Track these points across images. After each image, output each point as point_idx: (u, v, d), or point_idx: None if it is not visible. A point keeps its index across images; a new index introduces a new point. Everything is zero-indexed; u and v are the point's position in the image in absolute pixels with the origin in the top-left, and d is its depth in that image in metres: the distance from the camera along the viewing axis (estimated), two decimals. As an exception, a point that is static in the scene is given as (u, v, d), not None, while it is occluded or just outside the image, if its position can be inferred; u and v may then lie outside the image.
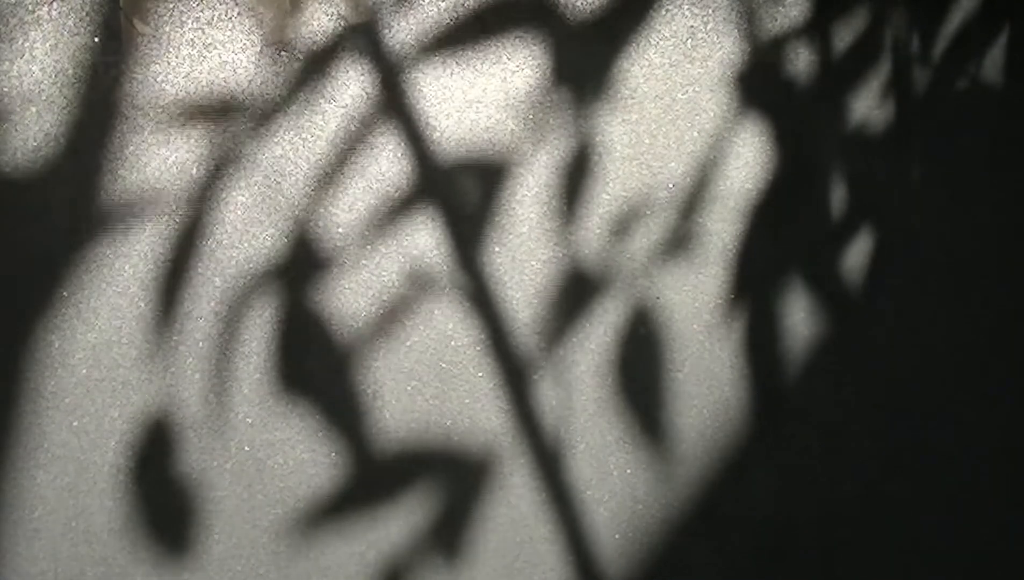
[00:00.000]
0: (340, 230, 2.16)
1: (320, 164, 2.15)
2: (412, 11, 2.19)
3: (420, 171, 2.20)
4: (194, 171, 2.10)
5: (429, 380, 2.21)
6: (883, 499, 2.44)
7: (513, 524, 2.26)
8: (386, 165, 2.19)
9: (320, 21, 2.15)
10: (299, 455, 2.15)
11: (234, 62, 2.11)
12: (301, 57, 2.13)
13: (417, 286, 2.19)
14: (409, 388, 2.20)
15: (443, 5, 2.20)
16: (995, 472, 2.50)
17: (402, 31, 2.19)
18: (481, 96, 2.23)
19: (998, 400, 2.50)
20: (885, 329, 2.44)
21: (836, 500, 2.41)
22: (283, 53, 2.13)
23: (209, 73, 2.11)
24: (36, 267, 2.04)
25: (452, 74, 2.22)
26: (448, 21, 2.21)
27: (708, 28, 2.33)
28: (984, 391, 2.49)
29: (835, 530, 2.41)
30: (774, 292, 2.38)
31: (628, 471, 2.31)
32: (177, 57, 2.09)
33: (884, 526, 2.44)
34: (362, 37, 2.17)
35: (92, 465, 2.08)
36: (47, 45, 2.04)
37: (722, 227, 2.34)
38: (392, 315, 2.19)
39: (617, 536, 2.30)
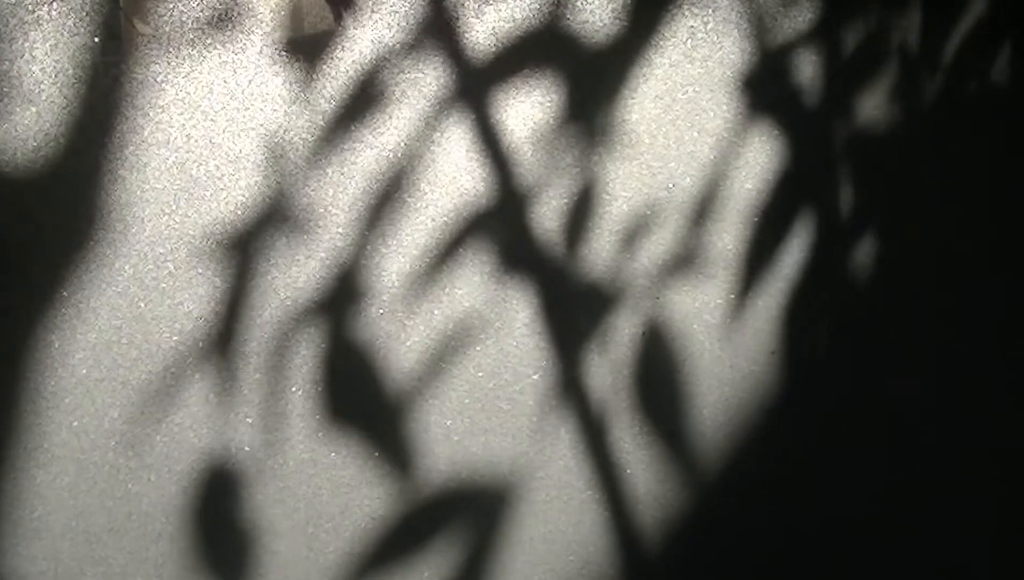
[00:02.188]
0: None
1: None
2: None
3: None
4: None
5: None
6: (887, 502, 2.44)
7: (512, 524, 2.26)
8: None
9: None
10: (299, 456, 2.15)
11: (234, 62, 2.11)
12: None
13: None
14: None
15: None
16: (998, 473, 2.50)
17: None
18: (481, 97, 2.23)
19: (1003, 401, 2.50)
20: (892, 332, 2.44)
21: (839, 502, 2.41)
22: (287, 54, 2.13)
23: (209, 73, 2.11)
24: (36, 267, 2.04)
25: (455, 80, 2.22)
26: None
27: (708, 28, 2.33)
28: (990, 392, 2.49)
29: (836, 532, 2.41)
30: (777, 294, 2.38)
31: (628, 471, 2.31)
32: (177, 57, 2.09)
33: (887, 528, 2.44)
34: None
35: (92, 465, 2.08)
36: (47, 45, 2.04)
37: (723, 228, 2.34)
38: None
39: (617, 536, 2.30)
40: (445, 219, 2.21)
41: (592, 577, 2.29)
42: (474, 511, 2.24)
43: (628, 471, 2.30)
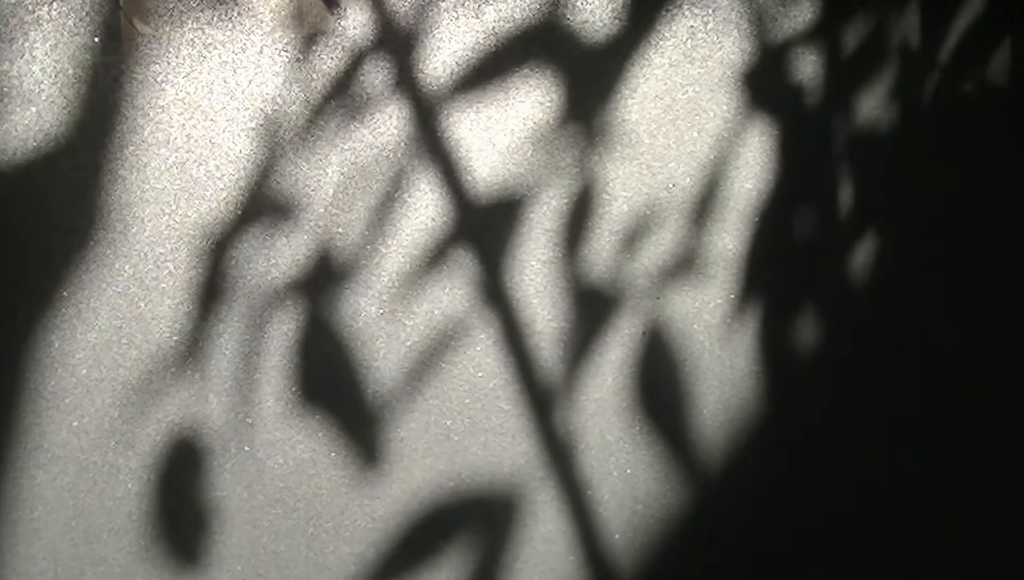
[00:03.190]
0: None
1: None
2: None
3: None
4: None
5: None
6: (887, 503, 2.44)
7: (512, 524, 2.26)
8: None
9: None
10: (300, 456, 2.15)
11: (234, 62, 2.11)
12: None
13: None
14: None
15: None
16: (998, 472, 2.50)
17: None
18: (480, 96, 2.23)
19: (1003, 400, 2.50)
20: (892, 331, 2.44)
21: (839, 503, 2.41)
22: (285, 54, 2.13)
23: (209, 73, 2.11)
24: (36, 267, 2.05)
25: (456, 80, 2.22)
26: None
27: (708, 28, 2.33)
28: (990, 391, 2.49)
29: (836, 533, 2.41)
30: (777, 295, 2.38)
31: (628, 471, 2.31)
32: (177, 57, 2.09)
33: (887, 529, 2.44)
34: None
35: (92, 465, 2.08)
36: (47, 45, 2.04)
37: (723, 228, 2.34)
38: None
39: (617, 536, 2.31)
40: (445, 218, 2.21)
41: (592, 577, 2.29)
42: (474, 511, 2.24)
43: (628, 471, 2.30)
